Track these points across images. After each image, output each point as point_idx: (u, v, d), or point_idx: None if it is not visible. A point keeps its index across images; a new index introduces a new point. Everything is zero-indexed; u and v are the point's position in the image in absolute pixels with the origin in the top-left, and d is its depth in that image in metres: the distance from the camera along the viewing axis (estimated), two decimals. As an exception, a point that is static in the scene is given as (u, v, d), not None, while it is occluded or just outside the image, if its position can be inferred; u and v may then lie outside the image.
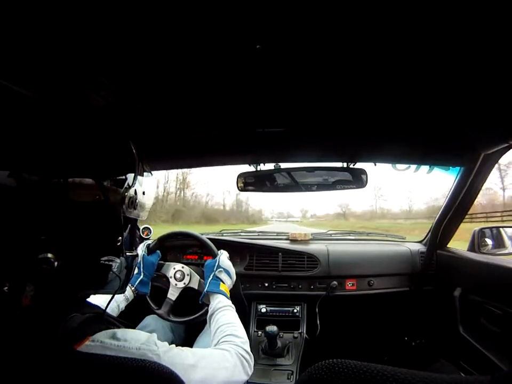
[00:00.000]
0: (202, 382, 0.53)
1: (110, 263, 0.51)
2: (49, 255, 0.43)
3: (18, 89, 0.48)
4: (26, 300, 0.42)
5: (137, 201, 0.55)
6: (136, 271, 1.07)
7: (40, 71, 0.55)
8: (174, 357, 0.50)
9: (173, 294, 1.12)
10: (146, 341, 0.47)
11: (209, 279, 0.95)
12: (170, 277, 1.14)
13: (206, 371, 0.54)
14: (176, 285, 1.13)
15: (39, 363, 0.37)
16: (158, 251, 1.17)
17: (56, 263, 0.43)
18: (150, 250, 1.14)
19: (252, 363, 0.72)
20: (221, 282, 0.94)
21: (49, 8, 0.44)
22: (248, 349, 0.73)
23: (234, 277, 1.03)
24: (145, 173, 0.59)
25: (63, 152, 0.45)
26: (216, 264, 1.00)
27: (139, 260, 1.11)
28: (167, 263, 1.17)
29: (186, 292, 1.13)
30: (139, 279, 1.05)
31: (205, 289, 0.93)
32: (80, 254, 0.47)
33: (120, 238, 0.52)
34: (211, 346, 0.72)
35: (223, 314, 0.82)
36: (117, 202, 0.51)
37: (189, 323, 1.11)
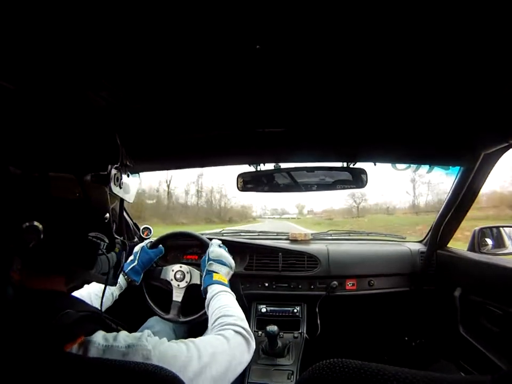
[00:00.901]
0: (201, 372, 0.50)
1: (98, 241, 0.49)
2: (35, 223, 0.41)
3: (9, 86, 0.48)
4: (16, 275, 0.41)
5: (122, 180, 0.54)
6: (131, 257, 1.09)
7: (33, 67, 0.56)
8: (167, 350, 0.47)
9: (178, 296, 1.13)
10: (137, 338, 0.45)
11: (204, 275, 0.94)
12: (171, 280, 1.14)
13: (204, 359, 0.52)
14: (178, 285, 1.13)
15: (28, 362, 0.36)
16: (161, 247, 1.17)
17: (41, 235, 0.41)
18: (151, 245, 1.15)
19: (252, 338, 0.68)
20: (214, 274, 0.92)
21: (50, 11, 0.44)
22: (244, 325, 0.69)
23: (230, 261, 0.99)
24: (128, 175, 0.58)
25: (47, 147, 0.44)
26: (207, 258, 0.99)
27: (137, 249, 1.12)
28: (164, 267, 1.18)
29: (191, 289, 1.13)
30: (132, 266, 1.06)
31: (202, 288, 0.93)
32: (65, 227, 0.46)
33: (107, 215, 0.51)
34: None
35: (217, 300, 0.80)
36: (101, 193, 0.50)
37: (200, 320, 1.10)
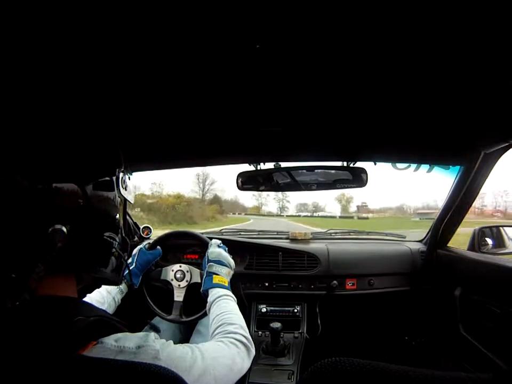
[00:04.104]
0: (205, 373, 0.52)
1: (111, 240, 0.52)
2: (58, 226, 0.43)
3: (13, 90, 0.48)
4: (34, 283, 0.42)
5: (126, 182, 0.57)
6: (130, 260, 1.08)
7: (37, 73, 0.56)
8: (173, 351, 0.49)
9: (179, 296, 1.12)
10: (144, 339, 0.46)
11: (204, 277, 0.94)
12: (172, 280, 1.14)
13: (207, 362, 0.54)
14: (179, 285, 1.13)
15: (41, 367, 0.36)
16: (159, 248, 1.16)
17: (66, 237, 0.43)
18: (149, 247, 1.15)
19: (252, 346, 0.69)
20: (214, 275, 0.91)
21: (48, 14, 0.44)
22: (245, 332, 0.71)
23: (229, 261, 0.99)
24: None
25: (51, 155, 0.45)
26: (206, 259, 0.98)
27: (135, 252, 1.11)
28: (164, 268, 1.17)
29: (192, 288, 1.12)
30: (130, 268, 1.05)
31: (201, 289, 0.92)
32: (86, 228, 0.48)
33: (118, 215, 0.54)
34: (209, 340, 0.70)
35: (217, 305, 0.80)
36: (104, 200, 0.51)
37: (202, 318, 1.10)
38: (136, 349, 0.44)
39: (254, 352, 0.70)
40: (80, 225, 0.46)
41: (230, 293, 0.87)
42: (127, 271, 1.03)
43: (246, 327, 0.74)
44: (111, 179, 0.52)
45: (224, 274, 0.93)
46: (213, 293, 0.86)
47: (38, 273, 0.41)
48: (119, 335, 0.45)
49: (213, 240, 1.07)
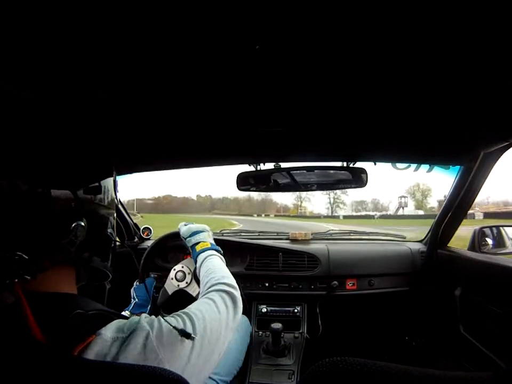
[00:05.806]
0: (199, 337, 0.52)
1: (112, 236, 0.57)
2: (81, 222, 0.47)
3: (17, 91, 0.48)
4: (49, 264, 0.45)
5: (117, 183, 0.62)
6: (132, 300, 1.11)
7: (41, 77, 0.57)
8: (163, 327, 0.49)
9: (194, 290, 1.11)
10: (135, 322, 0.47)
11: (191, 253, 0.94)
12: (178, 286, 1.13)
13: (197, 325, 0.53)
14: (187, 283, 1.12)
15: (41, 366, 0.36)
16: (150, 277, 1.21)
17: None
18: (140, 281, 1.16)
19: (236, 290, 0.69)
20: (196, 246, 0.91)
21: (49, 14, 0.44)
22: (229, 281, 0.70)
23: (201, 227, 0.99)
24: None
25: (52, 160, 0.46)
26: (184, 241, 0.98)
27: (131, 291, 1.14)
28: (165, 285, 1.16)
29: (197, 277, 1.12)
30: (133, 303, 1.07)
31: (195, 266, 0.91)
32: (98, 224, 0.53)
33: (115, 214, 0.59)
34: None
35: (203, 267, 0.81)
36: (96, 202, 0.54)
37: None
38: (129, 334, 0.45)
39: (239, 297, 0.68)
40: (93, 221, 0.51)
41: (213, 251, 0.87)
42: (132, 305, 1.06)
43: (228, 275, 0.74)
44: (99, 184, 0.54)
45: (203, 239, 0.93)
46: (199, 259, 0.86)
47: (55, 259, 0.46)
48: (113, 323, 0.46)
49: (179, 225, 1.07)
